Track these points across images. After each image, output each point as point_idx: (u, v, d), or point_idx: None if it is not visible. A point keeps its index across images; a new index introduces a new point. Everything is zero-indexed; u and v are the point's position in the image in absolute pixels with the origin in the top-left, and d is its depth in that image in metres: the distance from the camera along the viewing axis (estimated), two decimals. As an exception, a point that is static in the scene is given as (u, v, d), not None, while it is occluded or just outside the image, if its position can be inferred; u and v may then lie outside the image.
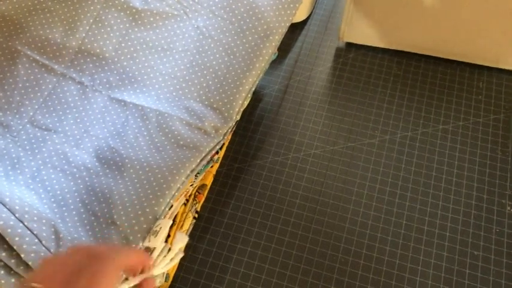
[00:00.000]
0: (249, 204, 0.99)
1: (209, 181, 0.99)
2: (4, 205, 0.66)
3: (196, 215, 0.96)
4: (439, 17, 1.08)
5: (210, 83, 0.90)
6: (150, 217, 0.68)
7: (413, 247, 0.93)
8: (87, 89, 0.89)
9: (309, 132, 1.08)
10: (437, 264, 0.91)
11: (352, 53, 1.20)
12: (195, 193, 0.96)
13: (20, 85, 0.87)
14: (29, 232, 0.65)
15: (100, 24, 0.93)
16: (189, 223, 0.92)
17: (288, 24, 0.95)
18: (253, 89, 0.92)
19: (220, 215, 0.98)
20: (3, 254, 0.64)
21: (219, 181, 1.02)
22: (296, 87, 1.15)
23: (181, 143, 0.81)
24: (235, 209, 0.98)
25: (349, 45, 1.22)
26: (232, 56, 0.92)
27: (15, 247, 0.63)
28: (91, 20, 0.94)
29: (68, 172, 0.78)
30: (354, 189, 1.00)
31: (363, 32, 1.18)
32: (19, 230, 0.64)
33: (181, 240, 0.74)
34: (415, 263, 0.91)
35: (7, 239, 0.63)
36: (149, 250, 0.72)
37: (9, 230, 0.64)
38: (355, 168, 1.02)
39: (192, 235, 0.93)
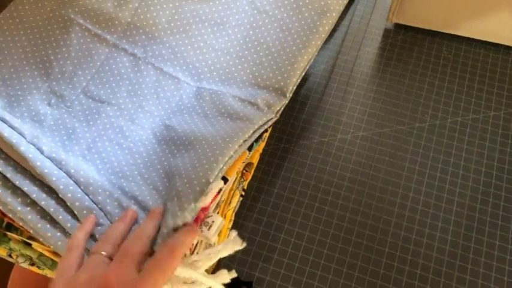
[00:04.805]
0: (296, 184, 0.98)
1: (256, 160, 0.98)
2: (70, 177, 0.66)
3: (243, 193, 0.95)
4: (496, -1, 1.04)
5: (264, 59, 0.88)
6: (203, 180, 0.66)
7: (463, 234, 0.91)
8: (140, 61, 0.87)
9: (356, 114, 1.05)
10: (488, 253, 0.90)
11: (400, 35, 1.17)
12: (242, 171, 0.95)
13: (73, 54, 0.86)
14: (94, 205, 0.64)
15: (152, -5, 0.91)
16: (236, 200, 0.91)
17: (345, 2, 0.92)
18: (307, 67, 0.89)
19: (266, 194, 0.97)
20: (69, 225, 0.63)
21: (265, 160, 1.01)
22: (343, 67, 1.12)
23: (235, 116, 0.80)
24: (282, 189, 0.97)
25: (398, 26, 1.18)
26: (287, 33, 0.90)
27: (82, 220, 0.62)
28: (143, -9, 0.91)
29: (124, 146, 0.77)
30: (404, 173, 0.98)
31: (412, 14, 1.14)
32: (86, 203, 0.63)
33: (234, 244, 0.67)
34: (466, 251, 0.90)
35: (75, 212, 0.63)
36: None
37: (77, 204, 0.63)
38: (404, 152, 1.00)
39: (238, 213, 0.93)
